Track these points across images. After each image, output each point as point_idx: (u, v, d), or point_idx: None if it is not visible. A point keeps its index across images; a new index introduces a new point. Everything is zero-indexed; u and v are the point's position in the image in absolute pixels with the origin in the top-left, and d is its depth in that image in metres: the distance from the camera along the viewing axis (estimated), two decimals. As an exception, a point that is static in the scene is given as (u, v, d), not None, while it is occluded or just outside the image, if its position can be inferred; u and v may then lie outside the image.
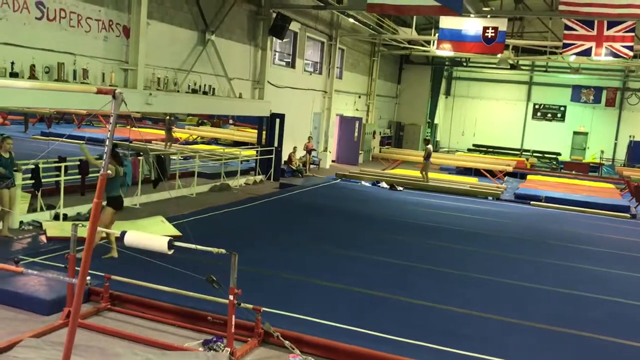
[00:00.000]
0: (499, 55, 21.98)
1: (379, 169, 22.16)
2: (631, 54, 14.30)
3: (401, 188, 18.41)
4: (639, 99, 32.16)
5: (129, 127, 20.35)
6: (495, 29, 15.06)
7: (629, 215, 16.57)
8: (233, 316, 5.40)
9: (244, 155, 17.47)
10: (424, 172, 19.06)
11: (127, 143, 15.92)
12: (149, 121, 29.07)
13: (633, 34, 14.04)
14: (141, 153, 13.39)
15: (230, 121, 28.06)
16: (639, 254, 11.79)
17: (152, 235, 5.83)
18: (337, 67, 23.87)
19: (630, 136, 32.03)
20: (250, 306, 5.72)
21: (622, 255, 11.50)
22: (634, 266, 10.65)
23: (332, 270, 8.60)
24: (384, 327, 6.35)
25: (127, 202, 11.79)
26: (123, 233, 5.59)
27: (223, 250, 5.39)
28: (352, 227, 12.17)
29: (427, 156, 19.17)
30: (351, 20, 21.42)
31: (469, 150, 33.56)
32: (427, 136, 29.26)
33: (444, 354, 5.87)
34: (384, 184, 18.69)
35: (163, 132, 25.34)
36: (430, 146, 19.42)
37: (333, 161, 24.17)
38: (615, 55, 14.48)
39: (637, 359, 6.34)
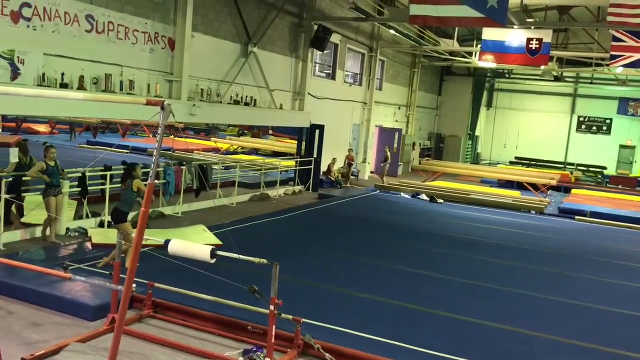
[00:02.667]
0: (542, 67, 21.60)
1: (419, 181, 21.97)
2: (683, 65, 13.86)
3: (442, 201, 18.21)
4: (690, 112, 31.08)
5: (172, 137, 20.74)
6: (540, 40, 14.80)
7: (679, 232, 15.96)
8: (273, 326, 5.40)
9: (284, 166, 17.58)
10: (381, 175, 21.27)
11: (170, 152, 16.22)
12: (191, 132, 29.57)
13: (685, 45, 13.60)
14: (184, 163, 13.62)
15: (270, 132, 28.31)
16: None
17: (195, 244, 5.91)
18: (378, 79, 23.84)
19: (681, 150, 30.96)
20: (291, 317, 5.72)
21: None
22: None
23: (372, 283, 8.54)
24: (424, 342, 6.26)
25: (169, 210, 12.03)
26: (167, 242, 5.67)
27: (265, 261, 5.41)
28: (392, 239, 12.08)
29: (384, 160, 21.62)
30: (392, 32, 21.37)
31: (511, 163, 32.96)
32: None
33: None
34: (424, 196, 18.51)
35: (205, 143, 25.76)
36: (388, 152, 21.94)
37: (372, 172, 24.08)
38: (666, 67, 14.06)
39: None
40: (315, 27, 17.58)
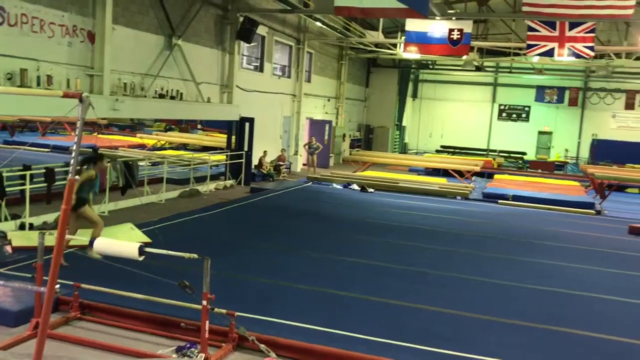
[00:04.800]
0: (464, 57, 22.31)
1: (350, 171, 22.24)
2: (592, 54, 14.67)
3: (372, 190, 18.51)
4: (600, 99, 32.97)
5: (95, 134, 20.00)
6: (461, 30, 15.26)
7: (593, 211, 16.95)
8: (207, 321, 5.34)
9: (213, 160, 17.34)
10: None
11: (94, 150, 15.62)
12: (116, 128, 28.63)
13: (594, 34, 14.41)
14: (108, 160, 13.17)
15: (199, 126, 27.83)
16: (605, 249, 12.07)
17: (121, 241, 5.74)
18: (306, 71, 23.89)
19: (593, 134, 32.83)
20: (224, 311, 5.67)
21: (589, 251, 11.76)
22: (601, 261, 10.90)
23: (306, 273, 8.59)
24: (359, 327, 6.36)
25: (95, 209, 11.60)
26: (92, 240, 5.48)
27: (195, 255, 5.33)
28: (325, 229, 12.18)
29: (310, 148, 22.27)
30: (318, 24, 21.47)
31: (437, 151, 33.93)
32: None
33: (420, 353, 5.90)
34: (355, 186, 18.76)
35: (130, 139, 24.99)
36: (314, 142, 22.50)
37: (304, 164, 24.15)
38: (577, 56, 14.82)
39: (614, 351, 6.47)
40: (241, 19, 17.39)
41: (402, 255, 10.28)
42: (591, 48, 14.46)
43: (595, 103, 33.12)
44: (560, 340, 6.62)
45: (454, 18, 15.94)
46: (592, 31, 14.24)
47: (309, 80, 24.50)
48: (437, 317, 7.07)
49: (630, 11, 10.04)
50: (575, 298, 8.41)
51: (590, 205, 17.41)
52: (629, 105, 31.63)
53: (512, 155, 33.21)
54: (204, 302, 5.29)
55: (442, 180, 21.23)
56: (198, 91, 16.05)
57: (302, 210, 14.27)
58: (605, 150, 31.39)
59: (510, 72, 32.76)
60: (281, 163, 20.48)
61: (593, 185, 21.02)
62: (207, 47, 16.58)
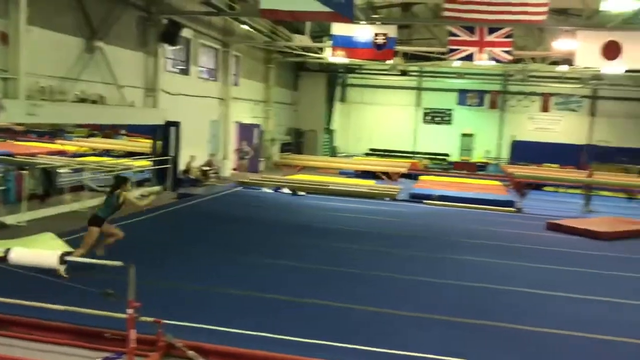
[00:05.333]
0: (389, 62, 22.79)
1: (280, 176, 22.21)
2: (510, 58, 15.32)
3: (303, 193, 18.56)
4: (518, 102, 34.49)
5: (13, 141, 19.01)
6: (385, 35, 15.58)
7: (514, 209, 17.72)
8: (132, 330, 5.17)
9: (138, 166, 16.85)
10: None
11: (9, 157, 14.88)
12: (34, 134, 27.27)
13: (511, 39, 15.06)
14: (26, 167, 12.55)
15: (123, 131, 26.97)
16: (525, 245, 12.63)
17: (40, 251, 5.47)
18: (233, 74, 23.68)
19: (512, 136, 34.30)
20: (151, 319, 5.50)
21: (509, 247, 12.27)
22: (519, 257, 11.39)
23: (236, 278, 8.49)
24: (290, 330, 6.35)
25: (11, 219, 11.02)
26: (7, 251, 5.19)
27: (119, 263, 5.16)
28: (255, 233, 12.09)
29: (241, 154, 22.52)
30: (245, 27, 21.33)
31: (366, 154, 34.45)
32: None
33: (351, 352, 5.95)
34: (285, 190, 18.75)
35: (49, 146, 23.88)
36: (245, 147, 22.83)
37: (234, 169, 23.91)
38: (496, 60, 15.44)
39: (533, 342, 6.76)
40: (165, 21, 17.03)
41: (333, 256, 10.35)
42: (509, 52, 15.11)
43: (514, 106, 34.62)
44: (483, 332, 6.86)
45: (378, 23, 16.27)
46: (509, 36, 14.89)
47: (236, 84, 24.29)
48: (368, 316, 7.16)
49: (543, 17, 10.59)
50: (496, 292, 8.74)
51: (510, 204, 18.17)
52: (545, 108, 33.27)
53: (437, 157, 34.18)
54: (130, 311, 5.12)
55: (371, 183, 21.58)
56: (121, 95, 15.57)
57: (232, 215, 14.12)
58: (524, 151, 32.88)
59: (433, 77, 33.72)
60: (209, 168, 20.19)
61: (513, 185, 21.97)
62: (129, 49, 16.12)
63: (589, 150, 32.17)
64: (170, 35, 16.91)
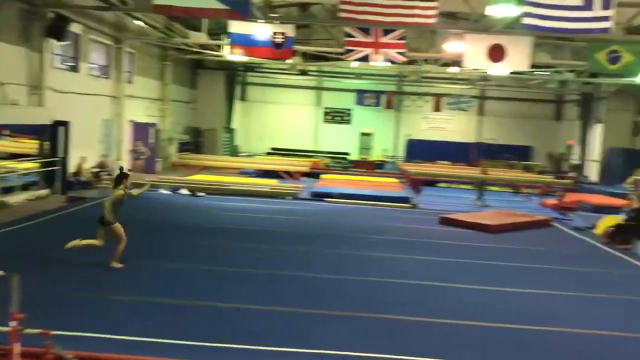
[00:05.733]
0: (289, 61, 22.87)
1: (179, 176, 21.65)
2: (404, 59, 15.85)
3: (203, 194, 18.20)
4: (413, 102, 35.87)
5: None
6: (284, 34, 15.60)
7: (410, 205, 18.38)
8: (16, 344, 4.82)
9: (23, 168, 15.77)
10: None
11: None
12: None
13: (405, 41, 15.58)
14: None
15: (7, 132, 25.14)
16: (420, 239, 13.13)
17: None
18: (127, 72, 22.77)
19: (407, 135, 35.62)
20: (38, 331, 5.16)
21: (406, 242, 12.70)
22: (415, 251, 11.83)
23: (130, 284, 8.17)
24: (186, 334, 6.20)
25: None
26: None
27: (1, 272, 4.80)
28: (151, 237, 11.69)
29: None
30: (139, 22, 20.57)
31: (268, 153, 34.39)
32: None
33: (253, 353, 5.89)
34: (184, 191, 18.29)
35: None
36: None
37: (130, 170, 22.96)
38: (391, 61, 15.92)
39: (430, 332, 7.02)
40: (51, 15, 16.04)
41: (234, 257, 10.23)
42: (403, 54, 15.63)
43: (409, 106, 35.95)
44: (385, 326, 7.04)
45: (275, 22, 16.25)
46: (403, 38, 15.40)
47: (130, 82, 23.38)
48: (269, 316, 7.13)
49: (433, 20, 11.06)
50: (394, 285, 9.02)
51: (406, 200, 18.83)
52: (437, 108, 34.85)
53: (337, 156, 34.77)
54: (13, 323, 4.77)
55: (273, 182, 21.56)
56: (2, 93, 14.49)
57: (127, 218, 13.53)
58: (419, 149, 34.27)
59: (333, 77, 34.25)
60: (102, 169, 19.27)
61: (408, 181, 22.78)
62: (11, 44, 15.03)
63: (478, 147, 34.09)
64: (57, 30, 15.97)
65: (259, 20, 15.33)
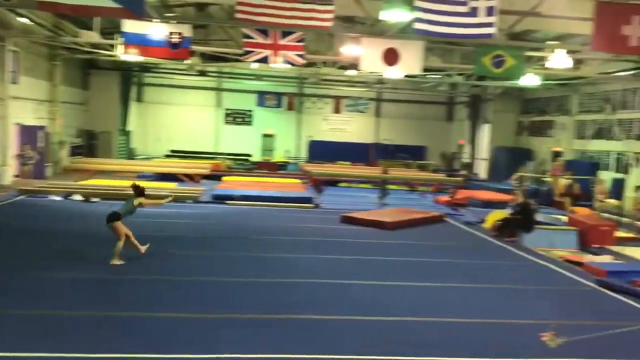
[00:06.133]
0: (187, 62, 22.41)
1: (71, 181, 20.58)
2: (302, 61, 16.00)
3: (97, 199, 17.41)
4: (313, 104, 36.34)
5: None
6: (180, 34, 15.26)
7: (312, 205, 18.61)
8: None
9: None
10: None
11: None
12: None
13: (303, 43, 15.74)
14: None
15: None
16: (322, 238, 13.34)
17: None
18: (11, 71, 21.32)
19: (309, 136, 36.03)
20: None
21: (309, 241, 12.86)
22: (318, 250, 12.01)
23: (21, 297, 7.68)
24: (85, 346, 5.94)
25: None
26: None
27: None
28: (42, 246, 11.04)
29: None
30: (23, 20, 19.33)
31: (167, 156, 33.50)
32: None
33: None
34: (77, 197, 17.42)
35: None
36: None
37: (16, 176, 21.55)
38: (290, 63, 16.01)
39: (332, 329, 7.15)
40: None
41: (126, 264, 9.85)
42: (301, 56, 15.78)
43: (309, 107, 36.39)
44: (288, 326, 7.09)
45: (172, 22, 15.88)
46: (301, 40, 15.55)
47: (15, 82, 21.91)
48: (171, 323, 6.98)
49: (330, 23, 11.27)
50: (299, 286, 9.11)
51: (309, 200, 19.05)
52: (337, 109, 35.62)
53: (239, 157, 34.52)
54: None
55: (172, 185, 21.04)
56: None
57: (13, 227, 12.73)
58: (320, 150, 34.77)
59: (233, 78, 33.96)
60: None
61: (311, 182, 23.06)
62: None
63: (376, 148, 35.14)
64: None
65: (154, 20, 14.91)
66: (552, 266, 11.59)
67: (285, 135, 36.00)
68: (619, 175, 22.60)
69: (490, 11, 10.89)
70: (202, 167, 25.46)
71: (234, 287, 8.79)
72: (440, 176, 26.76)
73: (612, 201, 19.91)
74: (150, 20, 14.85)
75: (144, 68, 32.49)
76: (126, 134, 32.72)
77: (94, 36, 21.73)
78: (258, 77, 32.65)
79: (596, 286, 9.97)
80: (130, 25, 15.13)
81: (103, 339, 6.27)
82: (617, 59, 18.95)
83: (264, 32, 14.74)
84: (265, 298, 8.30)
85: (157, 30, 15.38)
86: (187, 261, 10.35)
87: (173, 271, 9.51)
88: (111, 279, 8.83)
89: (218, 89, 35.56)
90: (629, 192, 20.31)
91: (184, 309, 7.50)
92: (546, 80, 23.73)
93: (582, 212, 17.80)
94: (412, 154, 34.13)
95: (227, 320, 7.19)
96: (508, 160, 29.00)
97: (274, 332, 6.83)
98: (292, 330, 6.95)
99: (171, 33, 15.28)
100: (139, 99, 34.99)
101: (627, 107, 23.22)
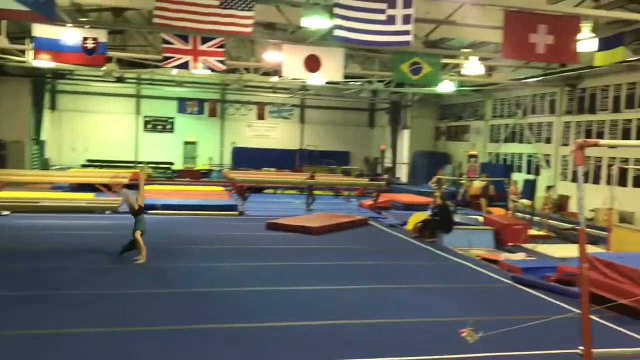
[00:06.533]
0: (103, 68, 21.68)
1: (-22, 194, 19.37)
2: (223, 67, 15.83)
3: (7, 212, 16.50)
4: (236, 110, 36.07)
5: None
6: (96, 39, 14.71)
7: (237, 212, 18.44)
8: None
9: None
10: None
11: None
12: None
13: (224, 49, 15.58)
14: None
15: None
16: (247, 245, 13.25)
17: None
18: None
19: (232, 143, 35.71)
20: None
21: (234, 249, 12.75)
22: (244, 257, 11.91)
23: None
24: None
25: None
26: None
27: None
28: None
29: None
30: None
31: (83, 165, 32.21)
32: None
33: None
34: (-16, 210, 16.43)
35: None
36: None
37: None
38: (211, 69, 15.82)
39: (252, 336, 7.10)
40: None
41: (43, 280, 9.40)
42: (222, 62, 15.62)
43: (233, 114, 36.10)
44: (211, 336, 6.98)
45: (86, 26, 15.29)
46: (222, 46, 15.38)
47: None
48: (82, 338, 6.71)
49: (250, 29, 11.21)
50: (223, 295, 9.00)
51: (233, 208, 18.86)
52: (261, 116, 35.53)
53: (161, 165, 33.69)
54: None
55: (90, 196, 20.26)
56: None
57: None
58: (244, 157, 34.53)
59: (152, 84, 33.15)
60: None
61: (235, 189, 22.82)
62: None
63: (301, 154, 35.31)
64: None
65: (67, 25, 14.31)
66: (471, 265, 12.05)
67: (208, 143, 35.51)
68: (531, 177, 23.85)
69: (406, 19, 11.18)
70: (121, 176, 24.62)
71: (156, 299, 8.56)
72: (364, 180, 27.24)
73: (525, 201, 20.93)
74: (63, 25, 14.24)
75: (58, 75, 31.09)
76: (39, 143, 31.20)
77: (1, 41, 20.59)
78: (179, 83, 32.01)
79: (512, 282, 10.44)
80: (41, 30, 14.44)
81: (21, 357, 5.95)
82: (526, 66, 19.95)
83: (183, 38, 14.50)
84: (187, 308, 8.14)
85: (70, 35, 14.75)
86: (99, 274, 9.97)
87: (81, 285, 9.15)
88: (12, 296, 8.37)
89: (137, 96, 34.61)
90: (539, 192, 21.43)
91: (92, 323, 7.24)
92: (461, 86, 24.67)
93: (497, 212, 18.66)
94: (336, 159, 34.57)
95: (147, 333, 6.99)
96: (427, 164, 29.94)
97: (194, 342, 6.71)
98: (215, 339, 6.85)
99: (85, 38, 14.71)
100: (53, 107, 33.49)
101: (536, 112, 24.56)
